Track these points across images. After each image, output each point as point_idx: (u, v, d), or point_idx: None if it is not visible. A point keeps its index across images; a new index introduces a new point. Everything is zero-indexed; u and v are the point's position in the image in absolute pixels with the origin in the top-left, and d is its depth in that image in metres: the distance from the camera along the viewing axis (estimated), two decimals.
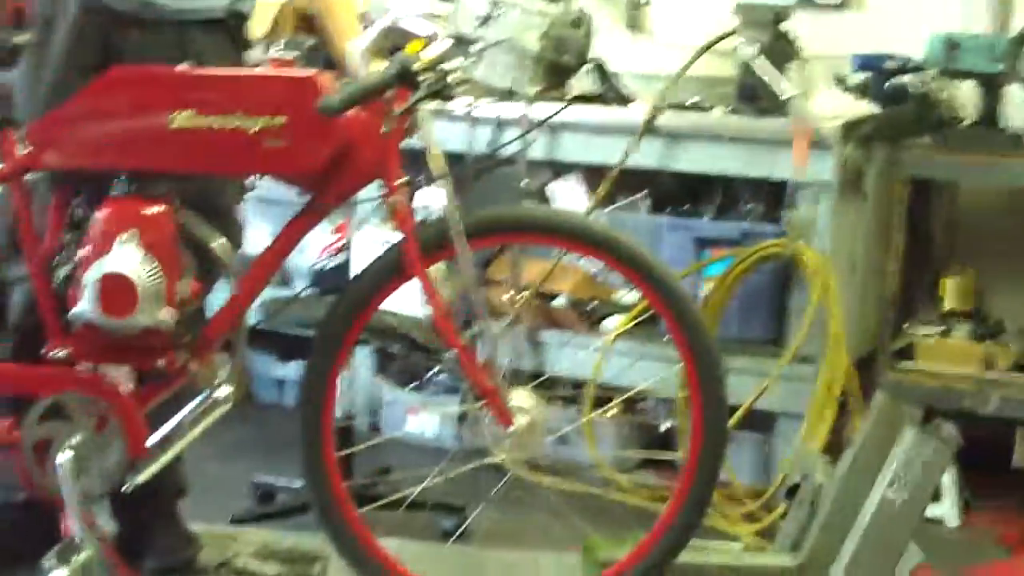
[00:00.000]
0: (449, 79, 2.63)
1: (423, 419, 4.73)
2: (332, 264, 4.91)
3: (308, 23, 5.27)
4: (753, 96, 4.41)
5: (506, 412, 2.67)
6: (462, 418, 4.55)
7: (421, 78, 2.59)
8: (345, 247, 4.92)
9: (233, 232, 2.95)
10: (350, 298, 2.79)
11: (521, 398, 2.68)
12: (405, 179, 2.67)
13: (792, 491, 3.39)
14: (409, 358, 4.41)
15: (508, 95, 4.15)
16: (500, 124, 4.42)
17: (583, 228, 2.75)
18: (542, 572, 2.97)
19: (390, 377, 4.89)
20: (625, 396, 4.15)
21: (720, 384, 2.71)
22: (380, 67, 2.74)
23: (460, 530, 3.72)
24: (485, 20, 4.06)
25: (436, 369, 4.88)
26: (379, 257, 2.78)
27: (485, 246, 2.79)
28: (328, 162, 2.65)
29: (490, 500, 2.78)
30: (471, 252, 2.67)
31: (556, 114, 3.94)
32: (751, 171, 4.40)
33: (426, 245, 2.68)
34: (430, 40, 2.68)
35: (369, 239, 4.82)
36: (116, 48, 2.88)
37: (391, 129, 2.64)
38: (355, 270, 4.74)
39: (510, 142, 4.19)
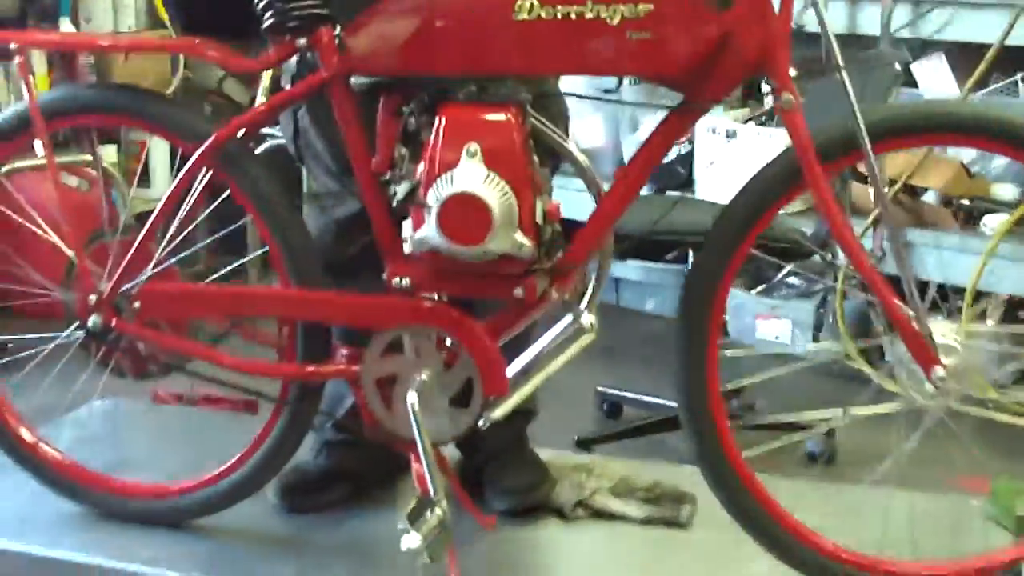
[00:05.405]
0: None
1: (774, 325, 4.35)
2: (671, 157, 4.55)
3: None
4: None
5: (929, 351, 2.21)
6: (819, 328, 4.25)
7: None
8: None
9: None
10: (741, 208, 2.35)
11: (947, 331, 2.21)
12: (797, 73, 2.23)
13: None
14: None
15: None
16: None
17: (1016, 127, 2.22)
18: (919, 513, 2.55)
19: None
20: None
21: None
22: None
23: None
24: None
25: (786, 271, 4.54)
26: (771, 162, 2.34)
27: (893, 150, 2.33)
28: (705, 56, 2.22)
29: (908, 442, 2.35)
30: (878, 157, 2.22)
31: None
32: None
33: (825, 150, 2.25)
34: None
35: (712, 129, 4.48)
36: None
37: (781, 14, 2.20)
38: (699, 165, 4.46)
39: (904, 25, 3.78)
